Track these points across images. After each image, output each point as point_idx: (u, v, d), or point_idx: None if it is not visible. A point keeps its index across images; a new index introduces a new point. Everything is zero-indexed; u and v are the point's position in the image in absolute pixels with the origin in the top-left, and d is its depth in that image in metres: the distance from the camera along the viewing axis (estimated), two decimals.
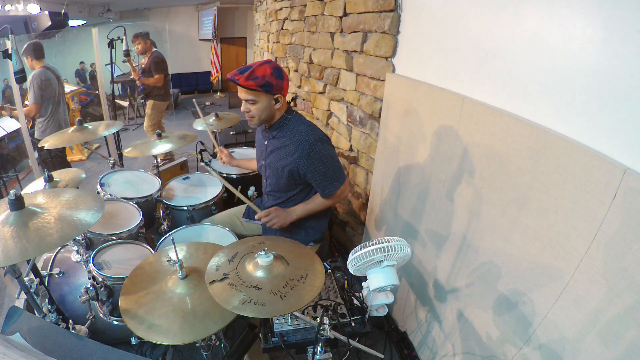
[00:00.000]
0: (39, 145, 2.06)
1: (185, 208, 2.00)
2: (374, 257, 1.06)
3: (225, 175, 2.30)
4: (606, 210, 0.85)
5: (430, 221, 1.62)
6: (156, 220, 2.14)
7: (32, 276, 1.33)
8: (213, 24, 7.78)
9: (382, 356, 1.25)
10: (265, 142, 1.63)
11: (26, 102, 3.23)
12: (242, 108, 1.48)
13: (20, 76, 2.20)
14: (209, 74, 8.65)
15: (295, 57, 3.40)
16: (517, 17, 1.10)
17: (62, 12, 4.37)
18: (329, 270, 1.39)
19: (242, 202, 1.70)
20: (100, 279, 1.46)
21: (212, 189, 2.19)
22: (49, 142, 1.96)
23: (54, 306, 1.37)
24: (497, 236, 1.22)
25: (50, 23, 4.13)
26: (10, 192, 1.08)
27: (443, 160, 1.48)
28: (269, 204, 1.71)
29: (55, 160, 3.19)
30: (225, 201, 2.23)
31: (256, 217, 1.61)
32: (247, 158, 2.16)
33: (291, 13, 3.42)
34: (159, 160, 2.50)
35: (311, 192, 1.63)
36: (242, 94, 1.43)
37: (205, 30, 8.45)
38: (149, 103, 4.03)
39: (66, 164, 3.35)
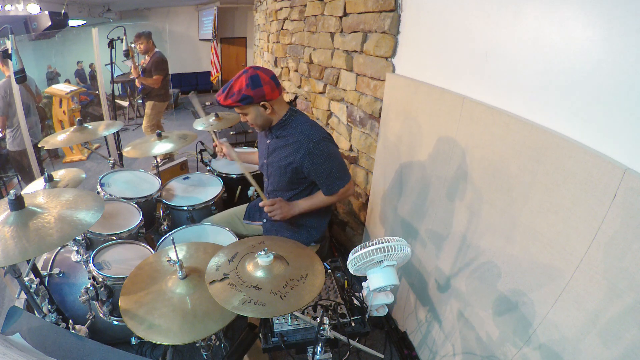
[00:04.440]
0: (39, 145, 2.06)
1: (185, 208, 2.00)
2: (374, 257, 1.06)
3: (225, 175, 2.30)
4: (606, 210, 0.85)
5: (430, 221, 1.62)
6: (156, 220, 2.14)
7: (32, 276, 1.32)
8: (213, 24, 7.79)
9: (382, 356, 1.25)
10: (268, 141, 1.62)
11: None
12: (241, 119, 1.54)
13: (20, 76, 2.20)
14: (209, 74, 8.66)
15: (295, 57, 3.40)
16: (518, 17, 1.10)
17: (62, 12, 4.38)
18: (329, 270, 1.39)
19: (242, 202, 1.69)
20: (100, 279, 1.46)
21: (212, 189, 2.19)
22: (49, 142, 1.96)
23: (54, 306, 1.36)
24: (497, 236, 1.22)
25: (50, 23, 4.14)
26: (10, 192, 1.08)
27: (443, 160, 1.48)
28: None
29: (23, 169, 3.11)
30: (225, 201, 2.23)
31: (260, 204, 1.59)
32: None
33: (291, 13, 3.42)
34: (159, 160, 2.50)
35: (313, 191, 1.62)
36: (235, 109, 1.48)
37: (205, 30, 8.46)
38: (149, 104, 4.02)
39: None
